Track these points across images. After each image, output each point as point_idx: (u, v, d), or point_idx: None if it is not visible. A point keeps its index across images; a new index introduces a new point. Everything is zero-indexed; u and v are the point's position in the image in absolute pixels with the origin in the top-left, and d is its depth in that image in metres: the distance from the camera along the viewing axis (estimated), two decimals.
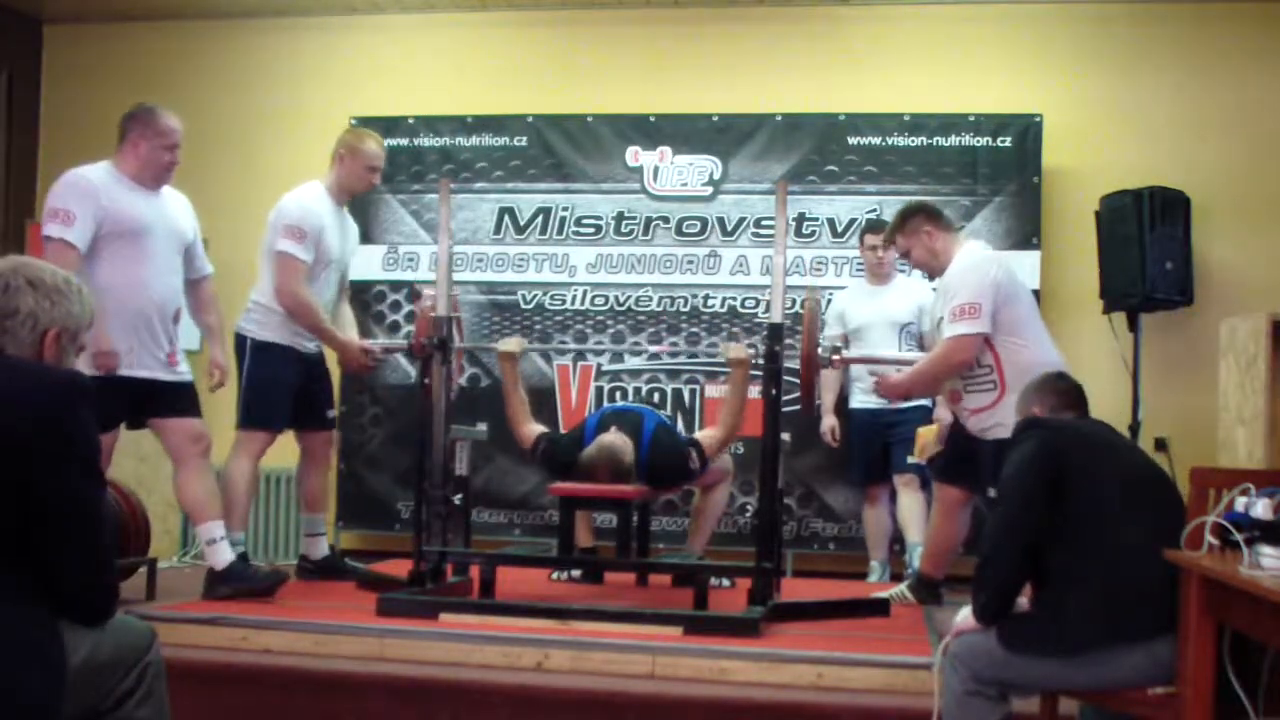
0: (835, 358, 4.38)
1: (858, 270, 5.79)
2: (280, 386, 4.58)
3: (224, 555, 4.25)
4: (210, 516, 4.26)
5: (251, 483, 4.64)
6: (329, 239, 4.63)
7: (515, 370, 4.71)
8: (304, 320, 4.55)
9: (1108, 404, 4.88)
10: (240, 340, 4.60)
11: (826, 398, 5.54)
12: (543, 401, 6.03)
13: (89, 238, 4.00)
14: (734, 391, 4.65)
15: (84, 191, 4.03)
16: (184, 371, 4.31)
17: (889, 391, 4.44)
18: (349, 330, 4.85)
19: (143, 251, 4.13)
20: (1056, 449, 2.76)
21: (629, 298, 6.13)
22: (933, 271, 4.41)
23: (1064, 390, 3.12)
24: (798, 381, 4.37)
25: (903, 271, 5.49)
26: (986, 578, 2.77)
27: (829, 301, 5.69)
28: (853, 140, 6.04)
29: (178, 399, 4.25)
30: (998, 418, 4.03)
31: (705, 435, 4.69)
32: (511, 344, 4.72)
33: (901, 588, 4.62)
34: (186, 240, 4.35)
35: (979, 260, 4.24)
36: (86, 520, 2.20)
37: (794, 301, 5.56)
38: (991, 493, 4.13)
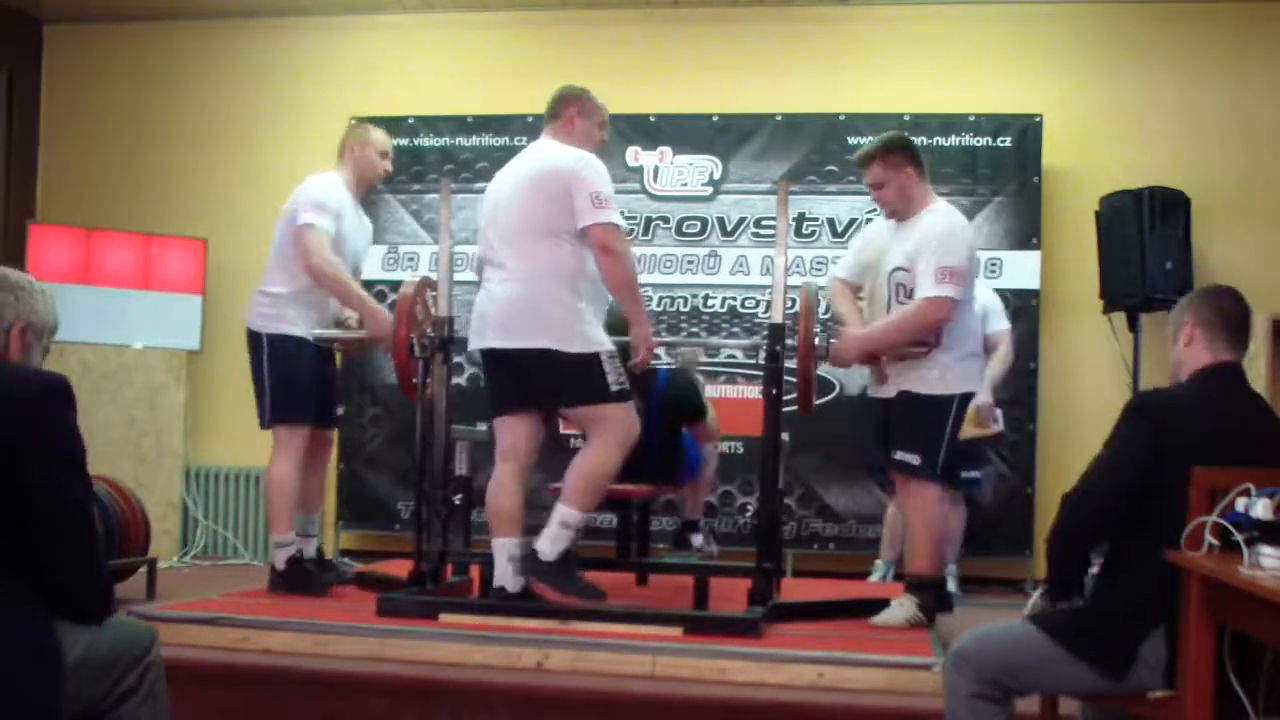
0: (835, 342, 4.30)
1: None
2: (305, 376, 4.46)
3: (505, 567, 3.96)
4: (504, 531, 3.99)
5: (296, 485, 4.44)
6: (346, 228, 4.54)
7: None
8: (332, 285, 4.41)
9: (1107, 404, 4.87)
10: (254, 336, 4.46)
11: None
12: None
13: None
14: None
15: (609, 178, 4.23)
16: None
17: (841, 357, 4.13)
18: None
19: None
20: (1155, 448, 2.54)
21: None
22: (896, 214, 4.20)
23: (1231, 316, 2.82)
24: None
25: None
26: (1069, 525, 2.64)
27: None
28: (853, 140, 6.02)
29: None
30: (921, 369, 4.01)
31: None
32: None
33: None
34: None
35: (961, 224, 4.17)
36: (74, 519, 2.20)
37: (793, 302, 5.55)
38: (898, 454, 4.05)
